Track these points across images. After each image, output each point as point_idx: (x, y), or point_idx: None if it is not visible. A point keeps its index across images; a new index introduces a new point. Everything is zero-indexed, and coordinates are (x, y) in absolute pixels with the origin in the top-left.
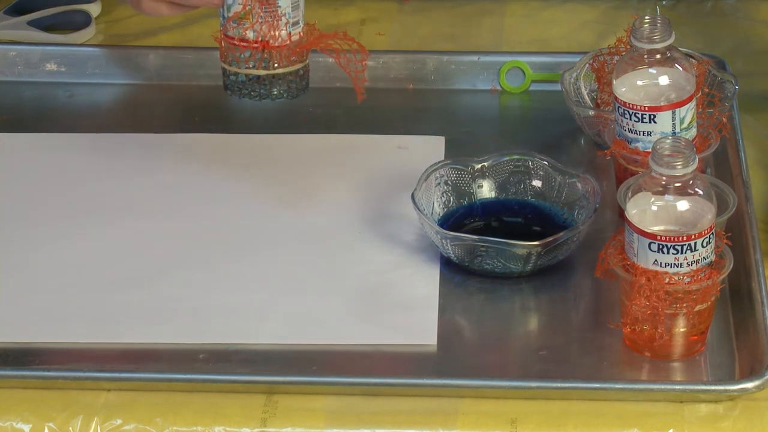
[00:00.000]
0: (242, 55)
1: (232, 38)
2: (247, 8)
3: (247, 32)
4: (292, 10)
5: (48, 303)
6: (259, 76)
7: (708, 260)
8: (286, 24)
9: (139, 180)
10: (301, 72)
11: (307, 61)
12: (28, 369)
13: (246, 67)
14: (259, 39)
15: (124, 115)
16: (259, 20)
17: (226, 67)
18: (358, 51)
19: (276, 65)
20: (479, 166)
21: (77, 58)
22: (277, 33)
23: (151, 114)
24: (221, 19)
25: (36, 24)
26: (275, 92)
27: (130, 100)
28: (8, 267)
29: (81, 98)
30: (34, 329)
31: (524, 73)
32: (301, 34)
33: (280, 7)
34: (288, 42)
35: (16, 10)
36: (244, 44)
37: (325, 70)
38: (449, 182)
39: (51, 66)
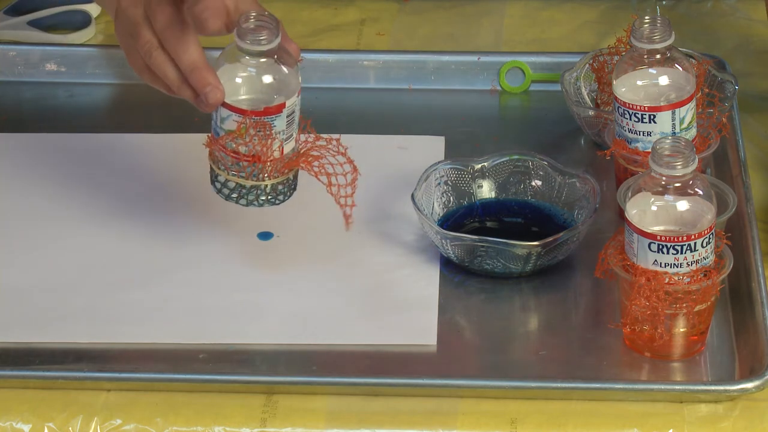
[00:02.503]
0: (232, 165)
1: (224, 147)
2: (241, 128)
3: (239, 147)
4: (286, 128)
5: (48, 303)
6: (247, 185)
7: (708, 260)
8: (279, 144)
9: (139, 180)
10: (290, 179)
11: (297, 169)
12: (28, 369)
13: (235, 175)
14: (251, 154)
15: (124, 115)
16: (253, 140)
17: (215, 169)
18: (349, 170)
19: (266, 177)
20: (479, 166)
21: (77, 58)
22: (269, 151)
23: (151, 114)
24: (213, 124)
25: (36, 24)
26: (262, 199)
27: (130, 100)
28: (8, 267)
29: (81, 98)
30: (34, 329)
31: (524, 73)
32: (295, 143)
33: (275, 127)
34: (280, 157)
35: (16, 10)
36: (235, 156)
37: (324, 70)
38: (449, 182)
39: (51, 66)
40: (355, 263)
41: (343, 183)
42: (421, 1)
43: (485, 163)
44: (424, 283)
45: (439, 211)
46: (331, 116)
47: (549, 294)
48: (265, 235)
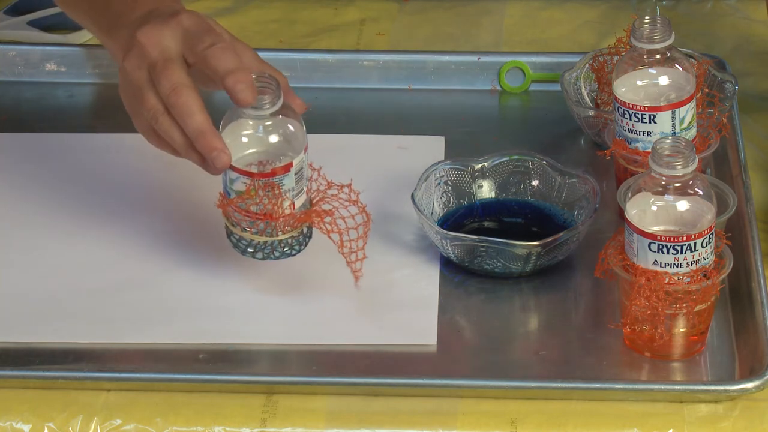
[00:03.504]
0: (245, 223)
1: (236, 207)
2: (250, 191)
3: (250, 207)
4: (296, 184)
5: (48, 303)
6: (262, 242)
7: (708, 260)
8: (290, 203)
9: (139, 180)
10: (304, 231)
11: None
12: (28, 369)
13: (248, 232)
14: (263, 212)
15: (124, 115)
16: (263, 201)
17: (229, 226)
18: (360, 223)
19: (279, 233)
20: (479, 166)
21: (77, 58)
22: (280, 209)
23: None
24: (223, 184)
25: (36, 24)
26: (277, 253)
27: None
28: (8, 267)
29: (81, 98)
30: (34, 329)
31: (524, 73)
32: (306, 195)
33: (284, 186)
34: (291, 211)
35: (16, 10)
36: (247, 215)
37: (324, 70)
38: (449, 182)
39: (51, 66)
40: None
41: (355, 237)
42: (421, 1)
43: (485, 163)
44: (424, 283)
45: (439, 211)
46: (331, 116)
47: (549, 294)
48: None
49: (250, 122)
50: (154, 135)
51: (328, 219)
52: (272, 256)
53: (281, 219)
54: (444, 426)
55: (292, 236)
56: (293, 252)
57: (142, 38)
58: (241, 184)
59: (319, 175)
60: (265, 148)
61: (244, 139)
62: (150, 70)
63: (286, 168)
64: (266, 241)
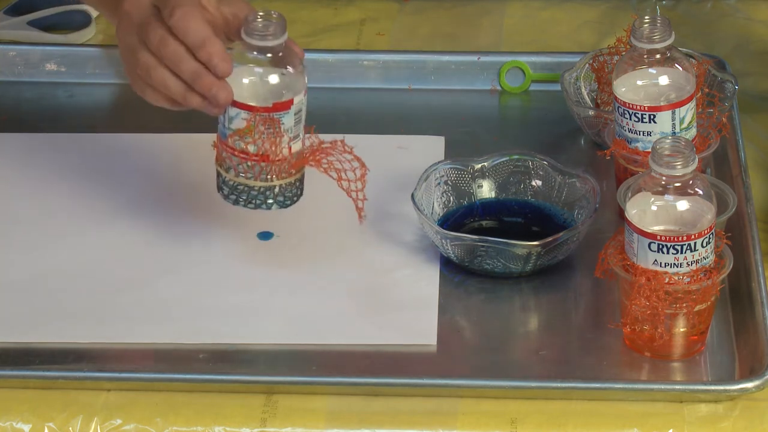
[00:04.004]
0: (241, 166)
1: (232, 148)
2: (250, 125)
3: (248, 146)
4: (294, 126)
5: (48, 303)
6: (256, 187)
7: (708, 260)
8: (288, 141)
9: (139, 180)
10: (298, 182)
11: (303, 171)
12: (28, 369)
13: (243, 177)
14: (260, 153)
15: (124, 115)
16: (262, 137)
17: (222, 172)
18: (356, 167)
19: (274, 178)
20: (479, 166)
21: (77, 58)
22: (278, 149)
23: (151, 114)
24: (220, 125)
25: (36, 24)
26: (270, 201)
27: (130, 100)
28: (8, 267)
29: (81, 98)
30: (34, 329)
31: (524, 73)
32: (301, 145)
33: (283, 124)
34: (288, 156)
35: (16, 10)
36: (244, 156)
37: (325, 70)
38: (449, 182)
39: (51, 66)
40: (355, 263)
41: (353, 178)
42: (421, 1)
43: (485, 163)
44: (424, 283)
45: (439, 211)
46: (331, 116)
47: (549, 294)
48: (265, 235)
49: (252, 59)
50: (150, 91)
51: (324, 161)
52: (264, 206)
53: (278, 162)
54: (444, 426)
55: (287, 183)
56: (286, 204)
57: (126, 6)
58: (240, 121)
59: (312, 133)
60: (266, 90)
61: (245, 81)
62: (138, 33)
63: (287, 105)
64: (260, 188)
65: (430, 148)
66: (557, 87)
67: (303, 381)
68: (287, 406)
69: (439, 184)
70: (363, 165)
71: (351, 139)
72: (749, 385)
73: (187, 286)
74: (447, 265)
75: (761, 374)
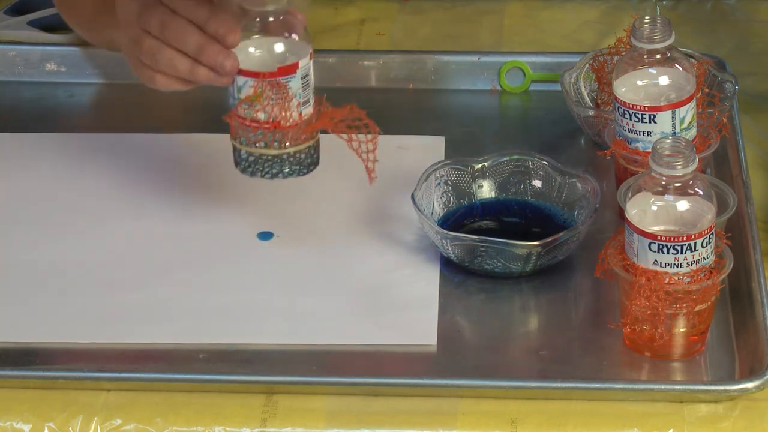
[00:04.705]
0: (253, 135)
1: (244, 119)
2: (258, 91)
3: (258, 113)
4: (302, 90)
5: (48, 303)
6: (270, 155)
7: (708, 260)
8: (297, 105)
9: (139, 180)
10: (312, 149)
11: (318, 137)
12: (28, 369)
13: (257, 147)
14: (270, 120)
15: (124, 115)
16: (270, 102)
17: (237, 145)
18: (368, 130)
19: (287, 144)
20: (479, 166)
21: (77, 58)
22: (288, 114)
23: (151, 114)
24: (231, 99)
25: (36, 24)
26: (287, 170)
27: (130, 100)
28: (8, 267)
29: (81, 98)
30: (34, 329)
31: (524, 73)
32: (312, 111)
33: (291, 89)
34: (299, 121)
35: (16, 10)
36: (255, 125)
37: (325, 70)
38: (449, 182)
39: (51, 66)
40: (355, 263)
41: (364, 140)
42: (421, 1)
43: (485, 163)
44: (424, 283)
45: (439, 211)
46: None
47: (549, 294)
48: (265, 235)
49: (254, 29)
50: (159, 76)
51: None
52: (281, 174)
53: (289, 128)
54: (444, 426)
55: (302, 150)
56: (302, 170)
57: (120, 2)
58: (248, 89)
59: (323, 102)
60: (272, 57)
61: (251, 50)
62: (138, 22)
63: (293, 68)
64: (275, 156)
65: (430, 148)
66: (557, 87)
67: (303, 381)
68: (287, 406)
69: (439, 184)
70: (375, 127)
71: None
72: (749, 385)
73: (187, 286)
74: (447, 265)
75: (761, 374)
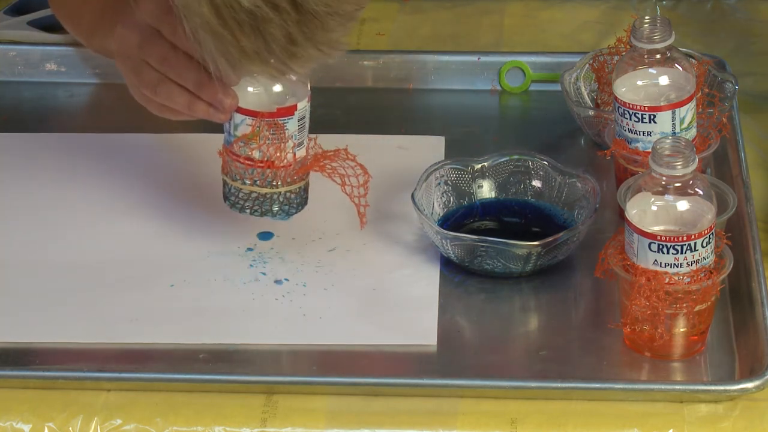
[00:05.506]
0: (246, 172)
1: (238, 156)
2: (255, 130)
3: (253, 152)
4: (298, 132)
5: (48, 303)
6: (261, 194)
7: (708, 260)
8: (292, 146)
9: (139, 180)
10: (302, 189)
11: (308, 179)
12: (28, 369)
13: (248, 184)
14: (265, 159)
15: (124, 115)
16: (267, 142)
17: (228, 180)
18: (360, 173)
19: (279, 184)
20: (479, 166)
21: (77, 58)
22: (282, 155)
23: (151, 114)
24: (226, 135)
25: (36, 24)
26: (276, 209)
27: (130, 100)
28: (8, 267)
29: (81, 98)
30: (34, 329)
31: (524, 73)
32: (305, 153)
33: (287, 130)
34: (293, 162)
35: (16, 10)
36: (249, 163)
37: (325, 70)
38: (449, 182)
39: (51, 66)
40: (355, 263)
41: (356, 184)
42: (421, 1)
43: (485, 163)
44: (424, 283)
45: (439, 211)
46: (331, 116)
47: (549, 294)
48: (265, 235)
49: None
50: (154, 104)
51: (328, 167)
52: (270, 213)
53: (283, 168)
54: (444, 426)
55: (292, 191)
56: (291, 211)
57: (121, 29)
58: (245, 127)
59: (315, 143)
60: (270, 98)
61: (249, 89)
62: (139, 52)
63: (291, 110)
64: (265, 195)
65: (430, 148)
66: (557, 87)
67: (303, 381)
68: (287, 406)
69: (439, 184)
70: (366, 172)
71: (351, 139)
72: (749, 385)
73: (187, 286)
74: (447, 265)
75: (761, 374)
